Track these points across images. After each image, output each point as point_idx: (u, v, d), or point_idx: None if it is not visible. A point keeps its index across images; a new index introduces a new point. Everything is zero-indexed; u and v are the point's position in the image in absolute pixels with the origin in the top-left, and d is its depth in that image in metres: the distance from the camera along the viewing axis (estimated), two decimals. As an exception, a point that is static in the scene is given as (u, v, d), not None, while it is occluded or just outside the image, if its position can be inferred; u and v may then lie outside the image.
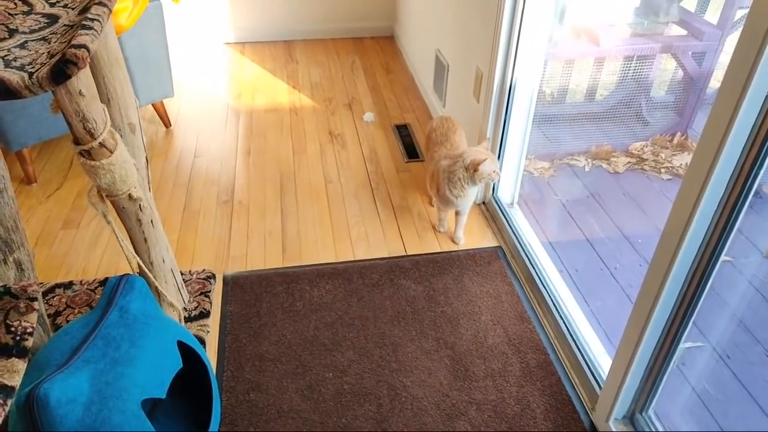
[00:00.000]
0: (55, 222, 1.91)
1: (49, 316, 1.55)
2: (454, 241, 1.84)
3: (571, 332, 1.45)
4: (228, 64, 3.06)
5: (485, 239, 1.86)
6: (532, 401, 1.33)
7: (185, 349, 1.18)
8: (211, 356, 1.46)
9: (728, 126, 0.84)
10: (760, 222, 1.73)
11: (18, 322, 0.86)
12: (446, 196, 1.71)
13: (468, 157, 1.63)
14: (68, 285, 1.65)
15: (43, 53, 0.91)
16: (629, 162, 2.30)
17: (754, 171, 0.87)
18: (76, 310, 1.56)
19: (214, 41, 3.28)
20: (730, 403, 1.31)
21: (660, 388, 1.15)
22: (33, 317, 0.87)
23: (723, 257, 0.99)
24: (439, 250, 1.81)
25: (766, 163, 0.87)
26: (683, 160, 2.26)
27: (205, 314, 1.56)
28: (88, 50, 0.85)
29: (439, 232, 1.88)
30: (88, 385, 0.96)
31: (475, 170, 1.61)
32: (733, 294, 1.53)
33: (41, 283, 1.65)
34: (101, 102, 1.10)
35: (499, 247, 1.82)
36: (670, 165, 2.25)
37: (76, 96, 0.95)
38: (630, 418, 1.21)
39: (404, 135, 2.43)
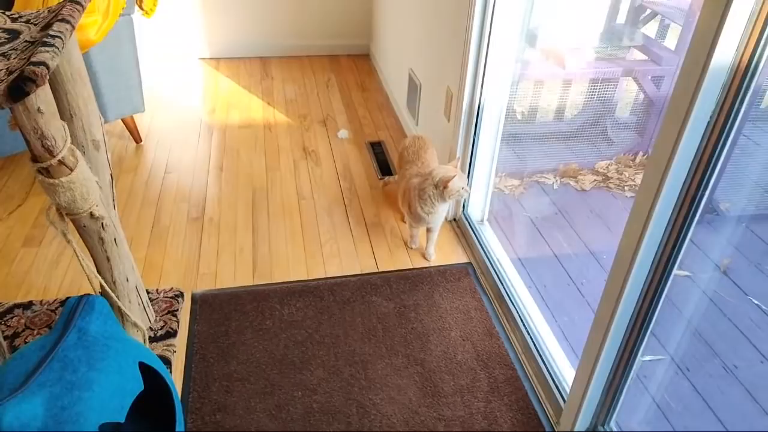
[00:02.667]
0: (16, 239, 1.86)
1: (6, 337, 1.49)
2: (425, 257, 1.85)
3: (538, 347, 1.47)
4: (202, 79, 3.05)
5: (455, 256, 1.88)
6: (499, 416, 1.34)
7: (149, 370, 1.16)
8: (177, 377, 1.43)
9: (675, 146, 0.88)
10: (716, 238, 1.79)
11: (-32, 344, 0.83)
12: (418, 213, 1.73)
13: (437, 175, 1.66)
14: (28, 305, 1.60)
15: (2, 69, 0.90)
16: (595, 180, 2.36)
17: (701, 189, 0.91)
18: (35, 332, 1.51)
19: (188, 56, 3.27)
20: (690, 415, 1.34)
21: (621, 400, 1.17)
22: (-16, 339, 0.84)
23: (680, 271, 1.02)
24: (411, 267, 1.82)
25: (712, 182, 0.91)
26: (646, 177, 2.33)
27: (171, 334, 1.53)
28: (48, 67, 0.84)
29: (411, 248, 1.89)
30: (42, 409, 0.93)
31: (445, 187, 1.64)
32: (692, 308, 1.58)
33: (-1, 303, 1.60)
34: (63, 118, 1.09)
35: (469, 263, 1.84)
36: (633, 183, 2.33)
37: (34, 113, 0.94)
38: (593, 430, 1.23)
39: (378, 152, 2.45)
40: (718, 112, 0.85)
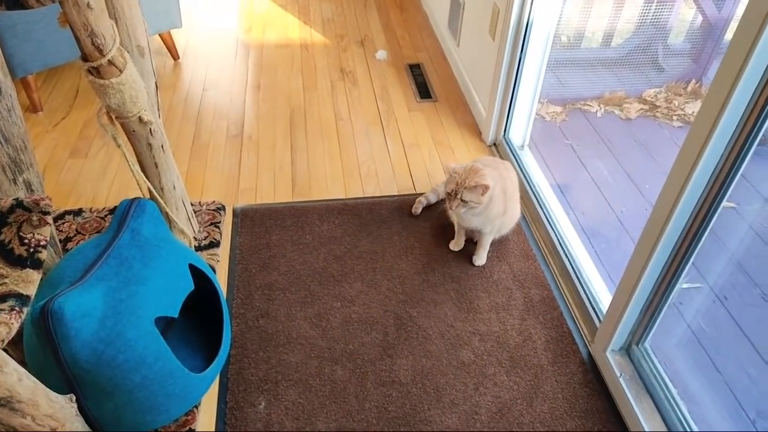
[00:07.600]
0: (63, 151, 1.91)
1: (60, 241, 1.57)
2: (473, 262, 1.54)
3: (576, 270, 1.47)
4: (234, -4, 2.95)
5: (493, 181, 1.86)
6: (533, 333, 1.37)
7: (196, 275, 1.21)
8: (221, 284, 1.50)
9: (739, 74, 0.82)
10: (765, 170, 1.71)
11: (31, 234, 0.87)
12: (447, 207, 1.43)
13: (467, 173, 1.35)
14: (78, 212, 1.67)
15: (51, -41, 0.88)
16: (642, 109, 2.25)
17: (761, 119, 0.86)
18: (87, 236, 1.59)
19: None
20: (724, 341, 1.35)
21: (656, 323, 1.18)
22: (46, 230, 0.88)
23: (726, 203, 0.99)
24: (447, 190, 1.81)
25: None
26: (696, 107, 2.21)
27: (215, 244, 1.59)
28: (98, -45, 0.82)
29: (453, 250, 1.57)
30: (101, 301, 0.97)
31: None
32: (735, 239, 1.54)
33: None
34: (110, 18, 1.07)
35: (507, 188, 1.82)
36: (683, 112, 2.21)
37: (84, 8, 0.93)
38: (626, 349, 1.25)
39: (417, 74, 2.38)
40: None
